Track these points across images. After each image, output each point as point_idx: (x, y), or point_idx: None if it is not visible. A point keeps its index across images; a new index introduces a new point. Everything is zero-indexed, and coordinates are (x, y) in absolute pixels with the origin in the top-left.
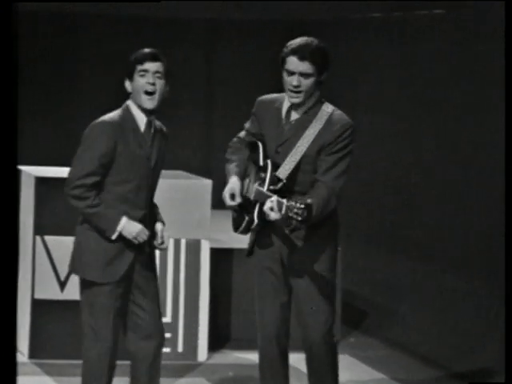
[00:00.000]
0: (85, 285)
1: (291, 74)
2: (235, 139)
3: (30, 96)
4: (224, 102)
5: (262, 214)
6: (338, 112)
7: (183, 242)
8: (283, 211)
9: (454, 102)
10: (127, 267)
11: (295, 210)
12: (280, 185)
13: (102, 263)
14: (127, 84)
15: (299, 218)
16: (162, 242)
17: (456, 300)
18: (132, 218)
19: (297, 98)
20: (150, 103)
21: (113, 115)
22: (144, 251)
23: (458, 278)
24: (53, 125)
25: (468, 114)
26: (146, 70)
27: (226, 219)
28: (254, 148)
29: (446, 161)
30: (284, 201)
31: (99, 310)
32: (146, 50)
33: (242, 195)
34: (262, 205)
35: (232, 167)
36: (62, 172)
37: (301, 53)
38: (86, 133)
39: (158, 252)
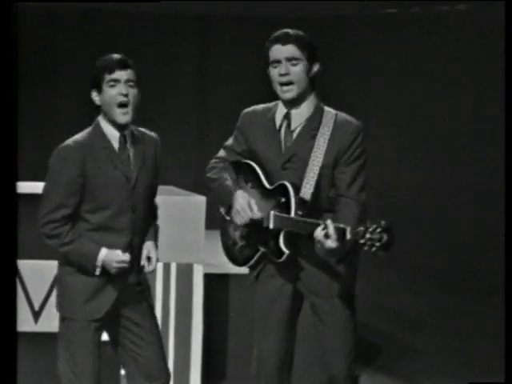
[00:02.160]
0: (64, 323)
1: (277, 63)
2: (215, 160)
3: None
4: (218, 112)
5: (290, 242)
6: (343, 114)
7: (173, 267)
8: (348, 237)
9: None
10: (112, 303)
11: (368, 236)
12: (306, 207)
13: (82, 299)
14: (94, 95)
15: (377, 244)
16: (146, 263)
17: (478, 330)
18: (115, 246)
19: (288, 90)
20: (124, 117)
21: (79, 136)
22: (132, 281)
23: (481, 306)
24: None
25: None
26: (116, 80)
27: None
28: (241, 169)
29: (455, 177)
30: (348, 227)
31: (81, 352)
32: (115, 57)
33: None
34: (291, 232)
35: (229, 184)
36: (35, 187)
37: (283, 38)
38: (50, 161)
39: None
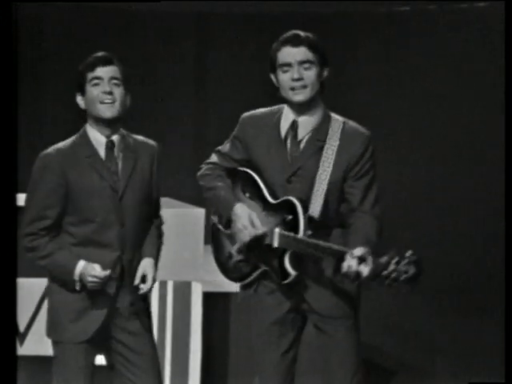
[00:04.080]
0: (54, 345)
1: (288, 66)
2: (207, 165)
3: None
4: (217, 117)
5: (296, 263)
6: (351, 123)
7: (170, 285)
8: (371, 265)
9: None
10: (99, 324)
11: (393, 268)
12: (314, 225)
13: (66, 320)
14: (79, 99)
15: (402, 278)
16: (141, 283)
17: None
18: (102, 262)
19: (301, 94)
20: (108, 111)
21: (63, 143)
22: (123, 302)
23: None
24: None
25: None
26: (99, 78)
27: None
28: (238, 177)
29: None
30: (369, 256)
31: (72, 376)
32: (97, 54)
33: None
34: (297, 254)
35: (226, 195)
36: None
37: (294, 39)
38: (32, 169)
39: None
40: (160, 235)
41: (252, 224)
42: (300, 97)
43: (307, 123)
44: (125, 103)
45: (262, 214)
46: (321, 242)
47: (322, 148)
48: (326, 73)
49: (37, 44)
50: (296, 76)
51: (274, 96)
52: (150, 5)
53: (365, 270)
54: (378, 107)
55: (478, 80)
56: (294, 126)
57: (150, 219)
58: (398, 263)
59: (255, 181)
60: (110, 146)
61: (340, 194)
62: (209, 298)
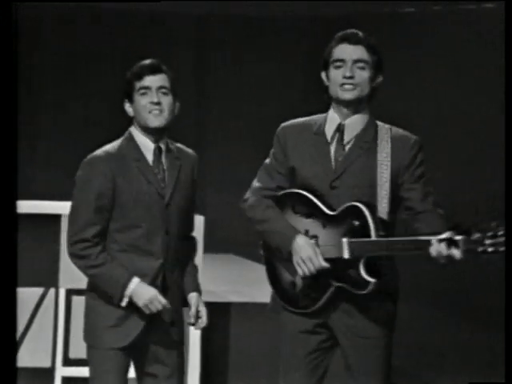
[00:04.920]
0: (90, 352)
1: (341, 62)
2: (253, 195)
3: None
4: (217, 122)
5: (372, 270)
6: (397, 129)
7: None
8: (462, 248)
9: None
10: (139, 331)
11: (488, 241)
12: (385, 228)
13: (107, 325)
14: (127, 106)
15: (501, 249)
16: (197, 320)
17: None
18: (145, 269)
19: (351, 91)
20: (157, 120)
21: (110, 146)
22: (165, 318)
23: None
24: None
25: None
26: (147, 87)
27: (221, 266)
28: (287, 200)
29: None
30: (459, 237)
31: (109, 379)
32: (145, 62)
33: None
34: (372, 258)
35: (283, 226)
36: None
37: (353, 37)
38: (77, 174)
39: None
40: (196, 266)
41: (317, 257)
42: (348, 95)
43: (354, 126)
44: (173, 112)
45: (323, 230)
46: (400, 238)
47: (368, 151)
48: (379, 79)
49: (37, 44)
50: (348, 74)
51: (279, 99)
52: (151, 5)
53: (457, 253)
54: (383, 108)
55: (478, 81)
56: (339, 128)
57: (190, 231)
58: (492, 237)
59: (305, 197)
60: (157, 151)
61: (398, 198)
62: (208, 308)
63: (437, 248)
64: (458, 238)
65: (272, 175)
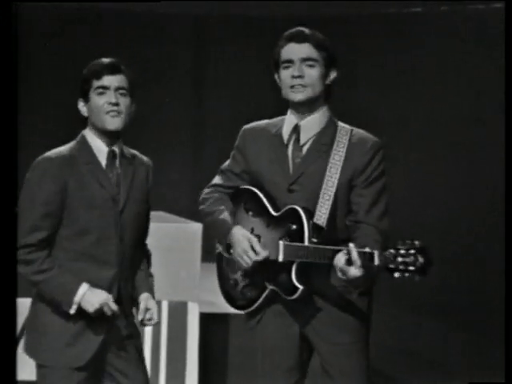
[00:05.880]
0: (40, 371)
1: (289, 63)
2: (208, 189)
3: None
4: (215, 128)
5: (303, 276)
6: (359, 131)
7: (165, 305)
8: (377, 262)
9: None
10: (96, 349)
11: (400, 259)
12: (322, 235)
13: (61, 343)
14: (81, 106)
15: (411, 268)
16: (149, 318)
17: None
18: (98, 279)
19: (301, 92)
20: (113, 122)
21: (62, 149)
22: (120, 325)
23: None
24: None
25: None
26: (105, 87)
27: None
28: (241, 197)
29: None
30: (376, 251)
31: None
32: (104, 61)
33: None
34: (303, 265)
35: (225, 219)
36: None
37: (299, 36)
38: (26, 175)
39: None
40: (151, 274)
41: (252, 248)
42: (299, 96)
43: (310, 127)
44: (130, 114)
45: (267, 230)
46: (321, 246)
47: (326, 153)
48: (332, 75)
49: (37, 44)
50: (296, 73)
51: (279, 99)
52: (150, 5)
53: (350, 269)
54: (385, 107)
55: (486, 81)
56: (296, 129)
57: (144, 239)
58: (405, 255)
59: (257, 195)
60: (111, 155)
61: (346, 204)
62: (206, 320)
63: (336, 259)
64: (368, 250)
65: (227, 175)
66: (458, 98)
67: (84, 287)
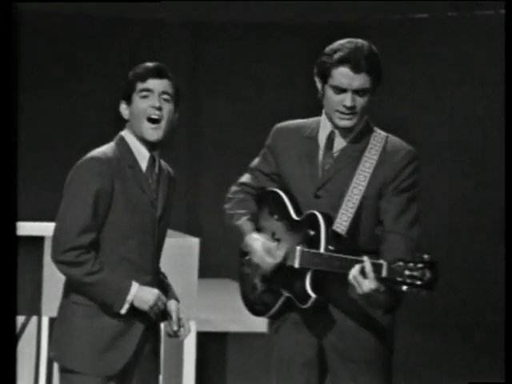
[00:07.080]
0: (65, 376)
1: (342, 91)
2: (236, 187)
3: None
4: (213, 136)
5: (318, 285)
6: (395, 138)
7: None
8: (384, 274)
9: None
10: (130, 356)
11: (408, 273)
12: (341, 243)
13: (95, 350)
14: (123, 108)
15: (418, 283)
16: (180, 328)
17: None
18: None
19: (349, 120)
20: (153, 133)
21: (104, 149)
22: (151, 333)
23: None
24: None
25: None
26: (149, 90)
27: (217, 291)
28: (266, 199)
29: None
30: (384, 262)
31: None
32: (150, 64)
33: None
34: (320, 273)
35: (241, 223)
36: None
37: (355, 62)
38: (70, 176)
39: None
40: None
41: (268, 253)
42: (346, 123)
43: (346, 133)
44: (172, 122)
45: (287, 234)
46: (336, 254)
47: (357, 160)
48: (376, 91)
49: (37, 44)
50: (349, 104)
51: (278, 102)
52: (148, 10)
53: (364, 282)
54: (385, 110)
55: (494, 85)
56: (331, 136)
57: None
58: (412, 269)
59: (281, 199)
60: (151, 160)
61: (374, 213)
62: (203, 338)
63: (354, 271)
64: (379, 261)
65: (255, 174)
66: (461, 102)
67: (135, 286)
